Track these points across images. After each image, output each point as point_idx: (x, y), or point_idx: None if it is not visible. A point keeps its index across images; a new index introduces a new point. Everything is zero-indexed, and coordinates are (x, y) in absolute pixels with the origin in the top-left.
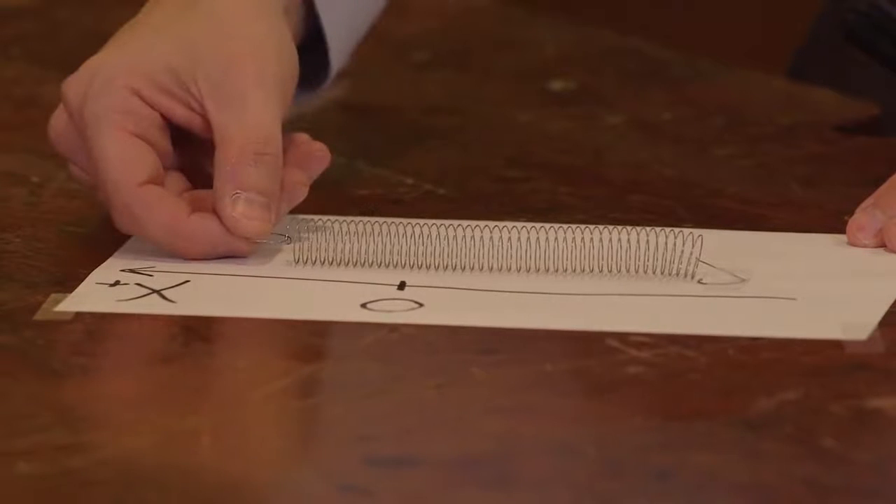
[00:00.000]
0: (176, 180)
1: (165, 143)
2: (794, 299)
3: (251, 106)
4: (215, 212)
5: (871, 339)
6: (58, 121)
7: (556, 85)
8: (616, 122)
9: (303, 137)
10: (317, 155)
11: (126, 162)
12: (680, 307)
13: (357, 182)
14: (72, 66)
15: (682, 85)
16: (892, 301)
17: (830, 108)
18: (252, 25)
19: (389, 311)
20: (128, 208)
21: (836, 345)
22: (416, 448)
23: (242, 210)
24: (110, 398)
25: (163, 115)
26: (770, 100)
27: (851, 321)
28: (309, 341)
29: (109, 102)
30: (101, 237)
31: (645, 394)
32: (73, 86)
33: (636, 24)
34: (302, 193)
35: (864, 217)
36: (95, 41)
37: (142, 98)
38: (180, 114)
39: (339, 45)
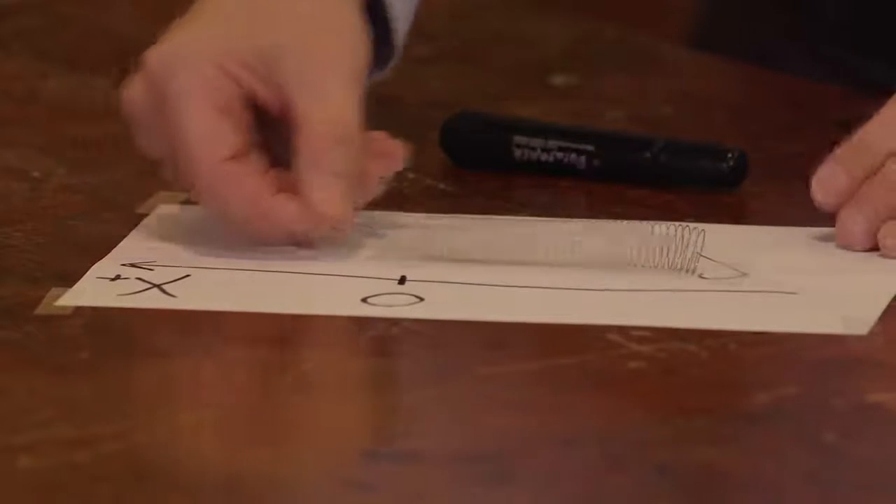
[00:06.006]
0: (257, 159)
1: (248, 122)
2: (794, 294)
3: (333, 92)
4: (297, 194)
5: (871, 333)
6: (133, 91)
7: (558, 79)
8: (617, 117)
9: (380, 134)
10: (394, 152)
11: (210, 138)
12: (681, 301)
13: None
14: (73, 61)
15: (683, 79)
16: (892, 296)
17: (833, 104)
18: (332, 12)
19: (390, 306)
20: (210, 185)
21: (837, 339)
22: (418, 443)
23: (326, 195)
24: (112, 393)
25: (245, 94)
26: (772, 95)
27: (852, 316)
28: (310, 336)
29: (196, 77)
30: (102, 232)
31: (646, 388)
32: (158, 57)
33: (637, 19)
34: (378, 188)
35: (851, 222)
36: (97, 36)
37: (228, 74)
38: (262, 93)
39: (402, 29)
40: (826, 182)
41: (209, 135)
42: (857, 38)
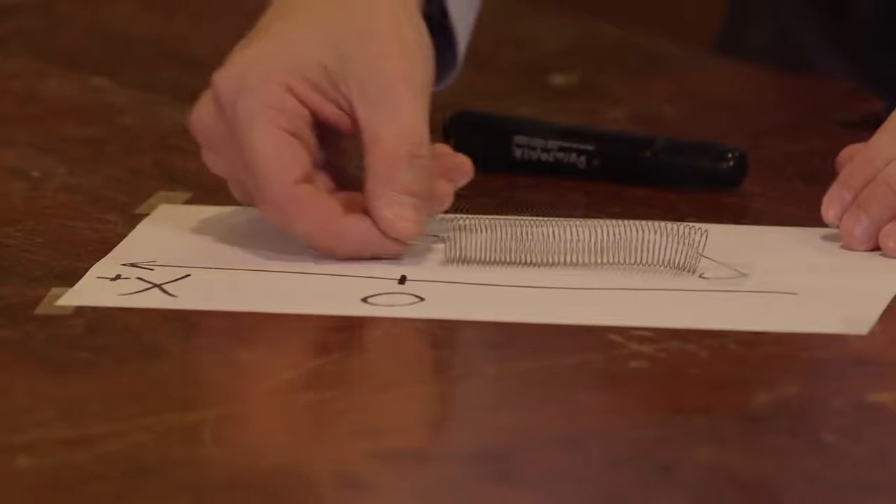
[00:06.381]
0: (323, 179)
1: (315, 142)
2: (794, 294)
3: (401, 107)
4: (367, 212)
5: (872, 333)
6: (203, 110)
7: (558, 79)
8: (618, 117)
9: (445, 149)
10: (461, 167)
11: (281, 159)
12: (681, 301)
13: (360, 179)
14: (72, 60)
15: (683, 79)
16: (893, 295)
17: (834, 102)
18: (397, 25)
19: (390, 306)
20: (281, 206)
21: (838, 339)
22: (421, 442)
23: (397, 211)
24: (112, 392)
25: (312, 113)
26: (772, 93)
27: (852, 315)
28: (311, 335)
29: (264, 98)
30: (102, 232)
31: (647, 388)
32: (226, 79)
33: (637, 18)
34: (448, 201)
35: (852, 223)
36: (96, 36)
37: (295, 95)
38: (329, 112)
39: (463, 39)
40: (834, 203)
41: (279, 157)
42: (883, 39)
